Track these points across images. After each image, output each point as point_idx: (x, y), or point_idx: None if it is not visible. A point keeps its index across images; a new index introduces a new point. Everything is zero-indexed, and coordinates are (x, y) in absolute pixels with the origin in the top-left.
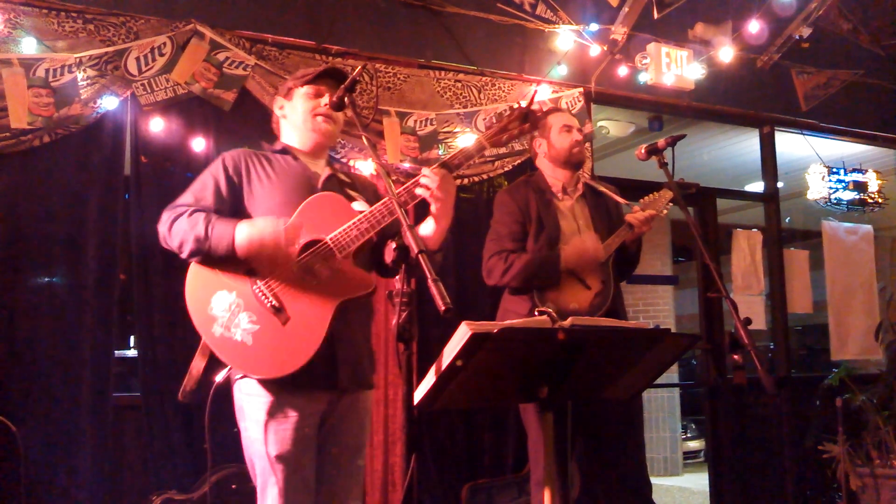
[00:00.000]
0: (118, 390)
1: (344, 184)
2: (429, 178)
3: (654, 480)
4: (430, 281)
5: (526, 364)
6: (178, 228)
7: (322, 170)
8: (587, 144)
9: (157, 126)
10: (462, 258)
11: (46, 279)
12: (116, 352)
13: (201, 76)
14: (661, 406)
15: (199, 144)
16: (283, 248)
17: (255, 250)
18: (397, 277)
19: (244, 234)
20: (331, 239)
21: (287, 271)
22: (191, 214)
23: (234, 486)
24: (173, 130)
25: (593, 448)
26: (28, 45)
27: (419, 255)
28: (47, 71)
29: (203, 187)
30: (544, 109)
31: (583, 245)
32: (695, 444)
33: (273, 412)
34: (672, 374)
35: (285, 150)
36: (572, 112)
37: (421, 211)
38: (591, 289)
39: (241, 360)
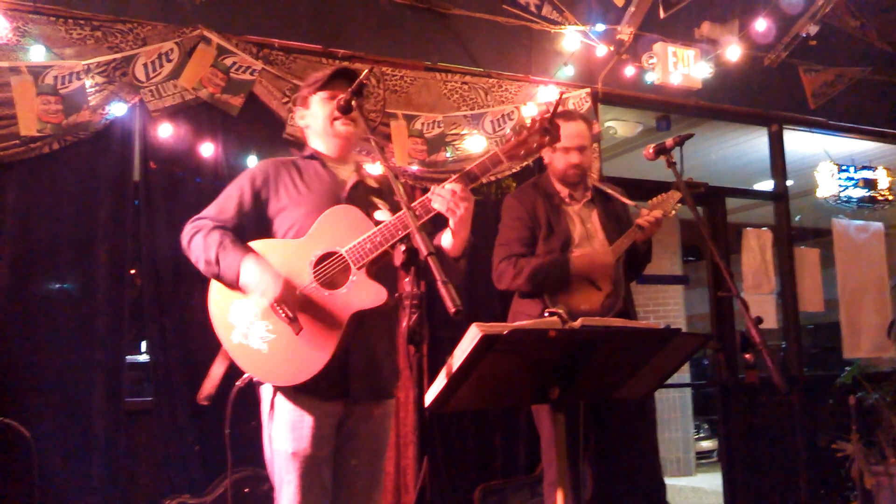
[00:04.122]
0: (130, 395)
1: (370, 190)
2: (444, 194)
3: (666, 481)
4: (439, 283)
5: (537, 365)
6: (194, 246)
7: (350, 176)
8: (595, 146)
9: (165, 132)
10: (472, 260)
11: (57, 285)
12: (128, 357)
13: (209, 81)
14: (674, 406)
15: (207, 149)
16: (278, 299)
17: (252, 290)
18: (407, 280)
19: (246, 276)
20: (346, 251)
21: (303, 282)
22: (208, 233)
23: (246, 490)
24: (181, 136)
25: (606, 449)
26: (36, 53)
27: (428, 258)
28: (56, 78)
29: (227, 199)
30: (557, 112)
31: (594, 254)
32: (707, 444)
33: (291, 412)
34: (684, 374)
35: (314, 157)
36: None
37: (438, 220)
38: (602, 290)
39: (256, 367)
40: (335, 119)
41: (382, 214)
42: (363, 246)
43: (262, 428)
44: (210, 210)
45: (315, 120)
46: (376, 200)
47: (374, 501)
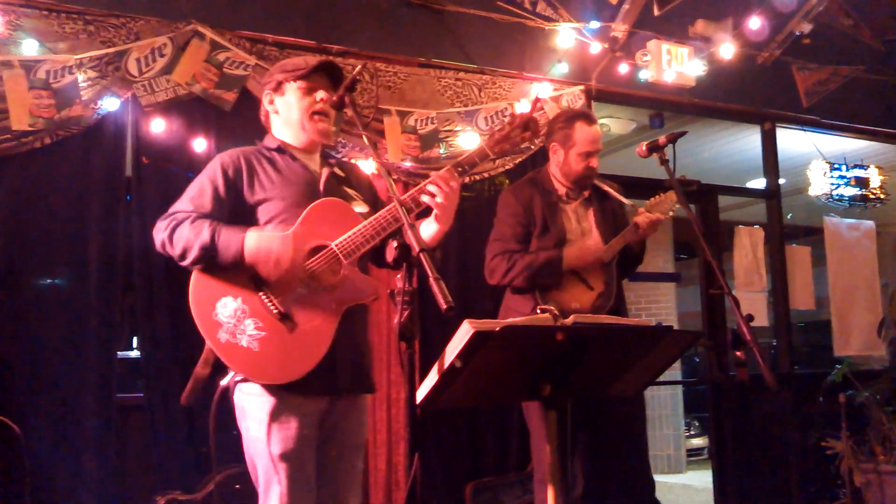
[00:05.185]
0: (121, 391)
1: (341, 181)
2: (436, 186)
3: (657, 478)
4: (431, 279)
5: (528, 362)
6: (180, 236)
7: (320, 168)
8: None
9: (157, 127)
10: (464, 257)
11: (49, 280)
12: (119, 353)
13: (202, 77)
14: (665, 403)
15: (200, 145)
16: (293, 258)
17: (264, 258)
18: (399, 276)
19: (253, 241)
20: (336, 245)
21: (293, 278)
22: (194, 220)
23: (237, 486)
24: (174, 131)
25: (597, 446)
26: (29, 47)
27: (420, 254)
28: (48, 72)
29: (200, 193)
30: (573, 112)
31: (585, 246)
32: (698, 442)
33: (275, 412)
34: (675, 372)
35: (282, 149)
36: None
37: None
38: (594, 289)
39: (247, 365)
40: (313, 114)
41: (360, 206)
42: (354, 240)
43: (241, 430)
44: (183, 204)
45: (288, 109)
46: (350, 192)
47: (356, 496)
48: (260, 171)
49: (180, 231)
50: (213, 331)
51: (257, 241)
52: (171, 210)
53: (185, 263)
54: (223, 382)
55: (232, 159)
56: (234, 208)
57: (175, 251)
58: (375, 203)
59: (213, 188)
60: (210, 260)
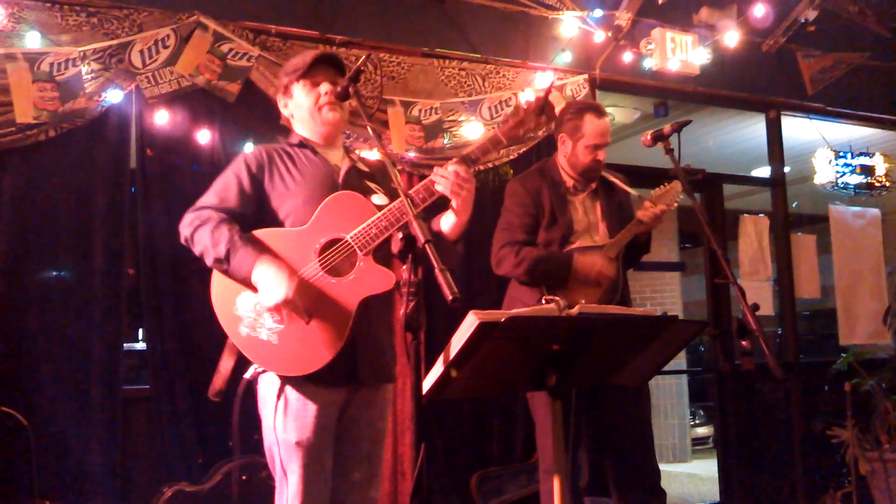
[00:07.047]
0: (127, 383)
1: (363, 175)
2: (447, 175)
3: (662, 467)
4: (437, 270)
5: (534, 352)
6: (200, 238)
7: (341, 161)
8: None
9: (162, 118)
10: (469, 247)
11: (54, 273)
12: (125, 345)
13: (205, 68)
14: (670, 393)
15: (204, 136)
16: (289, 299)
17: (265, 290)
18: (404, 268)
19: (261, 273)
20: (351, 237)
21: (309, 272)
22: (216, 227)
23: (244, 477)
24: (178, 123)
25: (602, 435)
26: (32, 40)
27: (426, 245)
28: (52, 65)
29: (226, 187)
30: (584, 103)
31: (593, 265)
32: (703, 431)
33: (294, 401)
34: (680, 361)
35: (303, 144)
36: (576, 98)
37: (440, 202)
38: (601, 286)
39: (267, 358)
40: (321, 107)
41: (379, 199)
42: (368, 231)
43: (262, 418)
44: (210, 198)
45: (299, 109)
46: (371, 185)
47: (374, 488)
48: (280, 167)
49: (202, 233)
50: (234, 325)
51: (265, 274)
52: (198, 203)
53: (204, 262)
54: (247, 375)
55: (255, 154)
56: (259, 202)
57: (195, 250)
58: (396, 197)
59: (237, 182)
60: (222, 272)
